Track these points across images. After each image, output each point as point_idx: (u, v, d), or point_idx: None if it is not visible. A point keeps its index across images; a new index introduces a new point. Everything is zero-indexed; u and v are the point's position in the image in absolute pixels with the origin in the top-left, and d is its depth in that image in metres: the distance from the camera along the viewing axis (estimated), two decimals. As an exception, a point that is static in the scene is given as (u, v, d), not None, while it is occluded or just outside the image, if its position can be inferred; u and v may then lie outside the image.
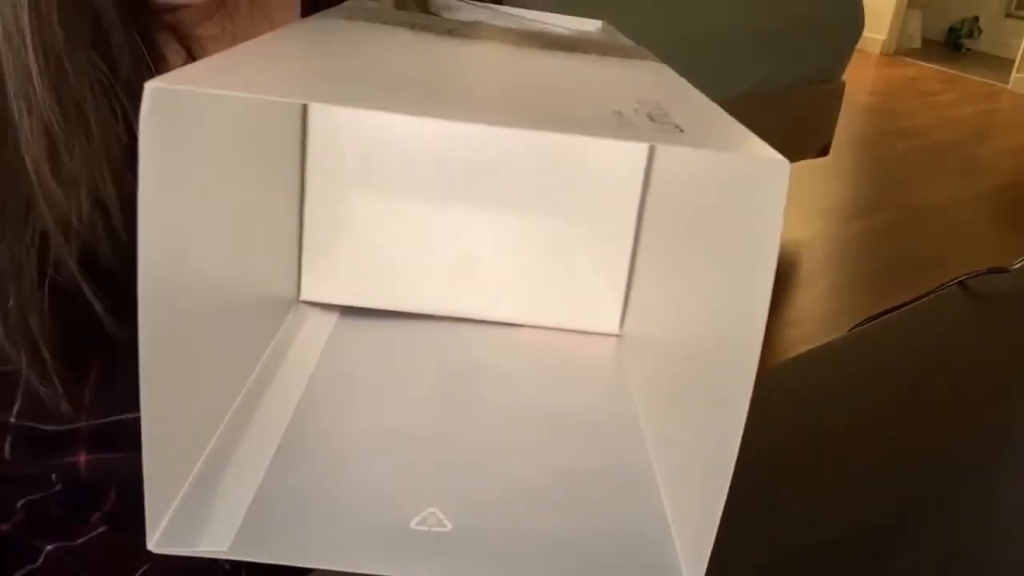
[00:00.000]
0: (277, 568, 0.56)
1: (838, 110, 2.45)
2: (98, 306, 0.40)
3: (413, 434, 0.31)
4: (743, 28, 2.03)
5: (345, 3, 0.41)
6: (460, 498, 0.28)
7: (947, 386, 0.60)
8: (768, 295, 0.22)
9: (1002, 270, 0.76)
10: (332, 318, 0.39)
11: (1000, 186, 3.19)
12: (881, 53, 5.14)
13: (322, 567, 0.25)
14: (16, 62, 0.35)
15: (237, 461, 0.29)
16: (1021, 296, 0.74)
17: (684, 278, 0.32)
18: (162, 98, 0.20)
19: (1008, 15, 5.39)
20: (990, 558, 0.45)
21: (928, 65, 5.00)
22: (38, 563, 0.48)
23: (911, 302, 0.71)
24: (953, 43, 5.52)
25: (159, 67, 0.41)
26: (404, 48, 0.32)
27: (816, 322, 2.12)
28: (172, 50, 0.42)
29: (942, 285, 0.73)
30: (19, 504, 0.49)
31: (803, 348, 0.65)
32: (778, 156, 0.21)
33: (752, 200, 0.24)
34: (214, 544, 0.25)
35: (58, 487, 0.49)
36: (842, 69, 2.39)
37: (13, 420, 0.44)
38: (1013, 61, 4.77)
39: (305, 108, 0.37)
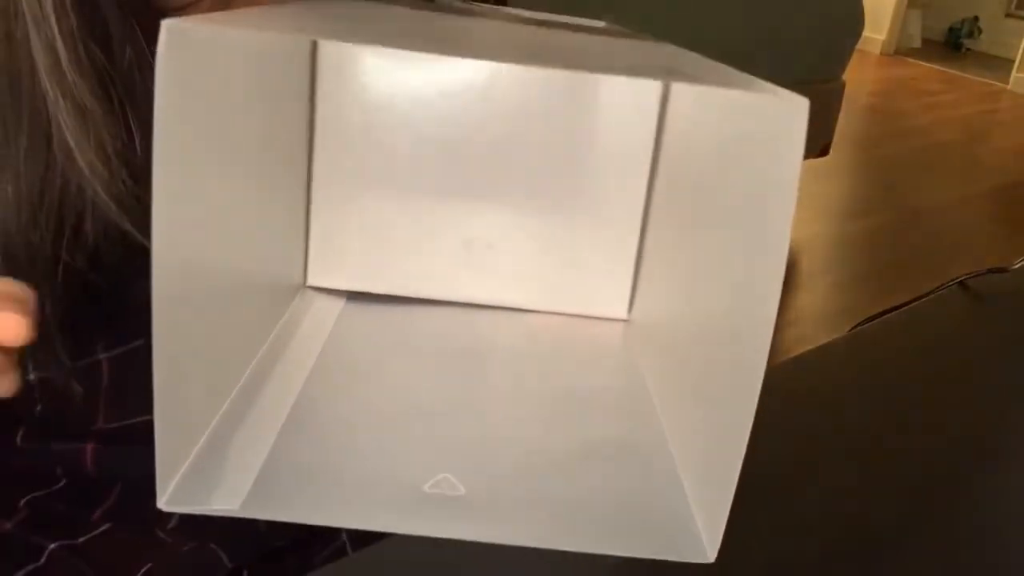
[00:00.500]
0: (281, 567, 0.56)
1: (838, 110, 2.45)
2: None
3: (423, 408, 0.32)
4: (743, 28, 2.03)
5: None
6: (473, 466, 0.28)
7: (947, 386, 0.60)
8: (786, 248, 0.21)
9: (1002, 270, 0.76)
10: (339, 303, 0.39)
11: (1000, 186, 3.19)
12: (881, 53, 5.14)
13: (334, 525, 0.25)
14: (45, 46, 0.35)
15: (247, 428, 0.29)
16: (1021, 296, 0.74)
17: (697, 248, 0.32)
18: (177, 35, 0.20)
19: (1008, 15, 5.39)
20: (991, 558, 0.45)
21: (928, 65, 5.00)
22: (41, 562, 0.48)
23: (911, 302, 0.71)
24: (953, 43, 5.52)
25: None
26: (411, 15, 0.33)
27: (816, 322, 2.12)
28: None
29: (942, 285, 0.73)
30: (22, 502, 0.49)
31: (803, 348, 0.65)
32: (796, 95, 0.21)
33: (769, 146, 0.23)
34: (225, 503, 0.25)
35: (62, 483, 0.50)
36: (842, 69, 2.39)
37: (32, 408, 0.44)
38: (1013, 61, 4.77)
39: (313, 91, 0.37)
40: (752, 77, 0.25)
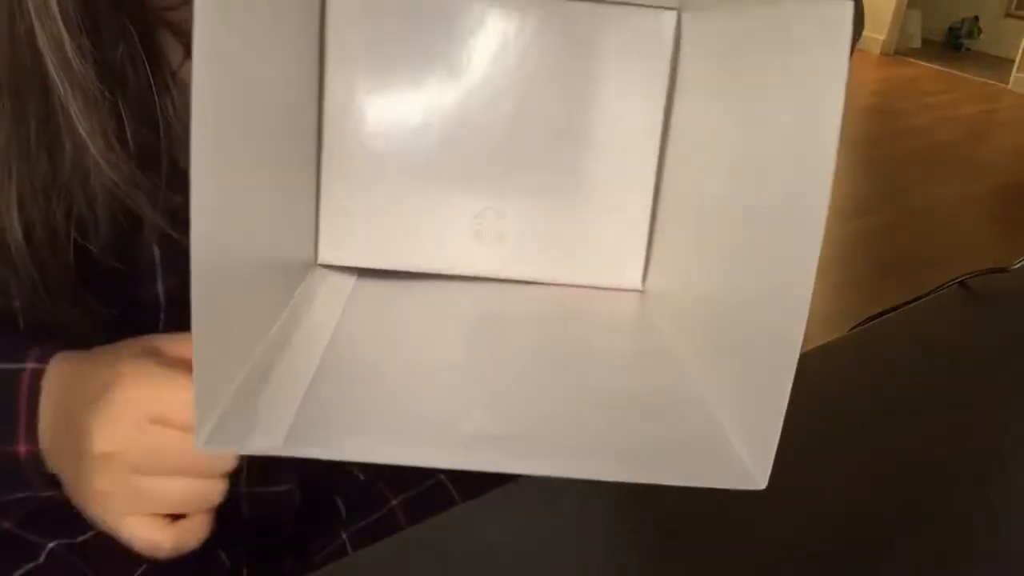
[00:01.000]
0: (279, 566, 0.56)
1: (838, 110, 2.44)
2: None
3: (449, 362, 0.31)
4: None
5: None
6: (508, 411, 0.28)
7: (947, 386, 0.60)
8: (832, 166, 0.21)
9: (1002, 270, 0.76)
10: (351, 279, 0.39)
11: (1000, 186, 3.19)
12: (881, 53, 5.13)
13: (376, 461, 0.25)
14: (51, 38, 0.36)
15: (278, 376, 0.29)
16: (1021, 296, 0.74)
17: (726, 203, 0.31)
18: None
19: (1008, 15, 5.39)
20: (990, 557, 0.45)
21: (928, 65, 4.99)
22: (40, 560, 0.48)
23: (911, 302, 0.71)
24: (953, 43, 5.51)
25: (157, 63, 0.41)
26: None
27: (816, 322, 2.11)
28: (171, 48, 0.43)
29: (942, 285, 0.73)
30: (20, 498, 0.49)
31: (803, 348, 0.64)
32: None
33: (809, 56, 0.23)
34: (265, 443, 0.25)
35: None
36: (842, 69, 2.39)
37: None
38: (1013, 61, 4.76)
39: (322, 64, 0.37)
40: None
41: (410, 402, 0.28)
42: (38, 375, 0.37)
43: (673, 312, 0.36)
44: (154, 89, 0.40)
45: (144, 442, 0.33)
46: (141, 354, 0.35)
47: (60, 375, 0.38)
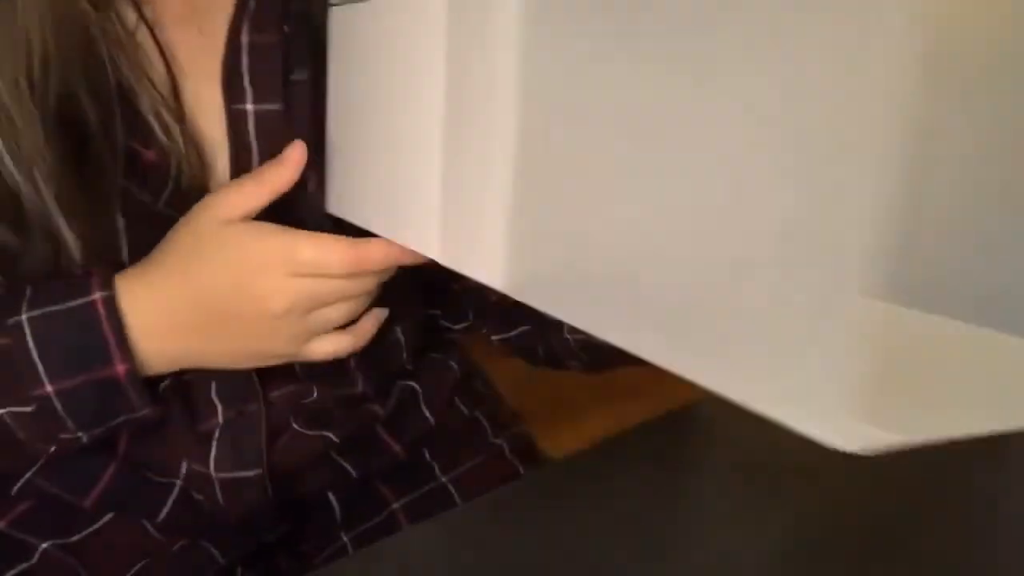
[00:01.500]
0: (274, 563, 0.56)
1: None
2: None
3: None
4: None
5: None
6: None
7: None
8: None
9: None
10: None
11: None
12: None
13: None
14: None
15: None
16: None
17: None
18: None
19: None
20: (990, 558, 0.45)
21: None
22: (33, 560, 0.48)
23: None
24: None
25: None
26: None
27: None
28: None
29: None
30: (13, 493, 0.49)
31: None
32: None
33: None
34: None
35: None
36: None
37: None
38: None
39: None
40: None
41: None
42: (110, 300, 0.41)
43: None
44: None
45: (306, 290, 0.42)
46: (227, 224, 0.42)
47: (131, 291, 0.42)
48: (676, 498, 0.47)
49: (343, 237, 0.42)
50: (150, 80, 0.43)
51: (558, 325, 0.54)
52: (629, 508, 0.45)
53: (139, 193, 0.44)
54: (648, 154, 0.24)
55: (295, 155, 0.43)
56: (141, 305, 0.42)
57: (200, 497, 0.49)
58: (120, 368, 0.41)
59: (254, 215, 0.43)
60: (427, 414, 0.58)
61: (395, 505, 0.55)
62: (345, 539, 0.55)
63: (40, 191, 0.40)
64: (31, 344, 0.40)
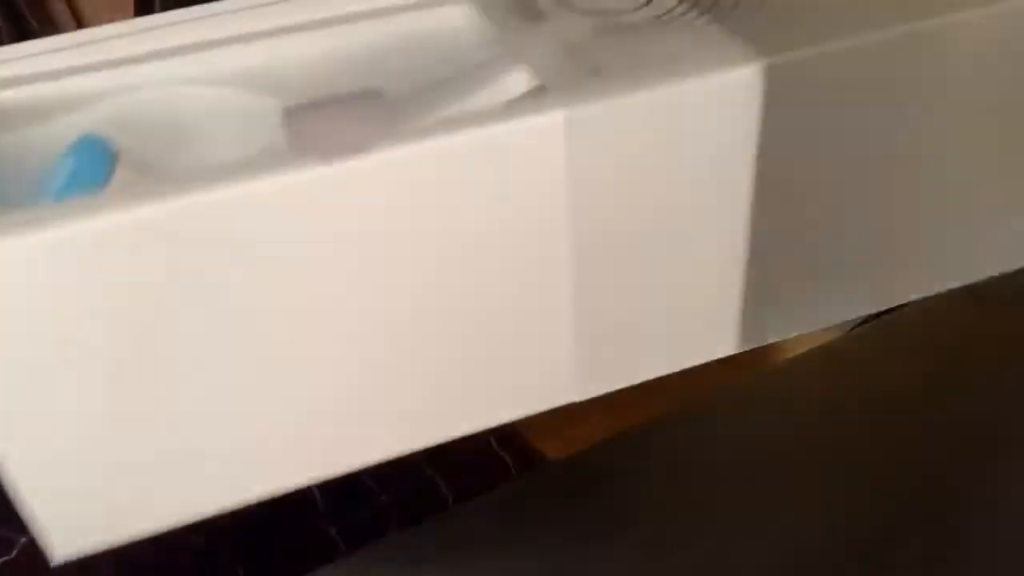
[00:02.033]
0: (270, 561, 0.56)
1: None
2: None
3: None
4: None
5: None
6: None
7: (947, 386, 0.60)
8: None
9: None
10: None
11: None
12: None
13: None
14: None
15: None
16: (1021, 296, 0.74)
17: None
18: None
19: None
20: (990, 558, 0.44)
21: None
22: (12, 555, 0.48)
23: (912, 302, 0.71)
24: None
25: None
26: None
27: (815, 322, 2.11)
28: None
29: (943, 285, 0.73)
30: None
31: (803, 348, 0.64)
32: None
33: None
34: None
35: None
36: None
37: None
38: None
39: None
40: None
41: None
42: None
43: None
44: None
45: None
46: None
47: None
48: (676, 498, 0.47)
49: None
50: None
51: None
52: (629, 508, 0.45)
53: None
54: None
55: None
56: None
57: None
58: None
59: None
60: None
61: (383, 498, 0.55)
62: (333, 533, 0.55)
63: None
64: None
